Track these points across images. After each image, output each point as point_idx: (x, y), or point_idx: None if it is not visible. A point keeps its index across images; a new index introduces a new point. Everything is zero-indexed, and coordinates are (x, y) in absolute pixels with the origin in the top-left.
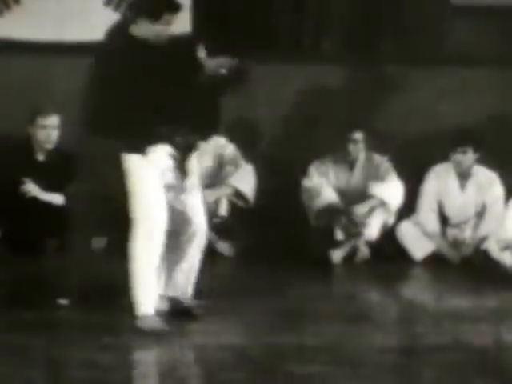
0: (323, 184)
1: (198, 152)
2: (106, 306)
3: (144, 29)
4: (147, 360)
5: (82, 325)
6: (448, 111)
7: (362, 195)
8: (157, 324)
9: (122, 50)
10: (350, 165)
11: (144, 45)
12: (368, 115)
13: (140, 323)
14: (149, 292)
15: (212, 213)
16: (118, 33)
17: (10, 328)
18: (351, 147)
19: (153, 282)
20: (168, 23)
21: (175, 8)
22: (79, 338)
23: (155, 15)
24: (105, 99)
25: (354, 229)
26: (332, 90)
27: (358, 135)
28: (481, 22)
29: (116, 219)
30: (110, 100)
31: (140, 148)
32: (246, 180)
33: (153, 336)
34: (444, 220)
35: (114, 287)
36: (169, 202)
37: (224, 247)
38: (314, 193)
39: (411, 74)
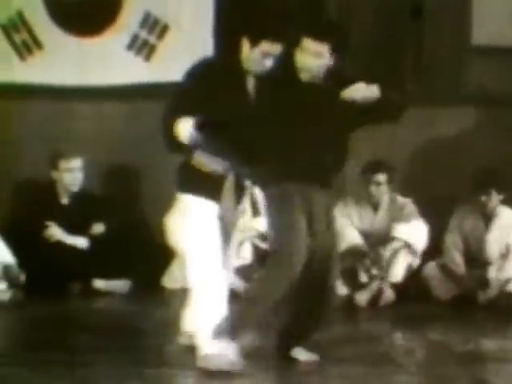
0: (347, 225)
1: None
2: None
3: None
4: None
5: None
6: (469, 151)
7: (386, 237)
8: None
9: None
10: (374, 206)
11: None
12: (388, 154)
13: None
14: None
15: (236, 255)
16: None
17: (36, 370)
18: (374, 189)
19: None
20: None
21: None
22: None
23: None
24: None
25: (379, 271)
26: None
27: (381, 177)
28: (501, 62)
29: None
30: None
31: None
32: None
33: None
34: (469, 260)
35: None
36: None
37: None
38: (338, 234)
39: (431, 113)
